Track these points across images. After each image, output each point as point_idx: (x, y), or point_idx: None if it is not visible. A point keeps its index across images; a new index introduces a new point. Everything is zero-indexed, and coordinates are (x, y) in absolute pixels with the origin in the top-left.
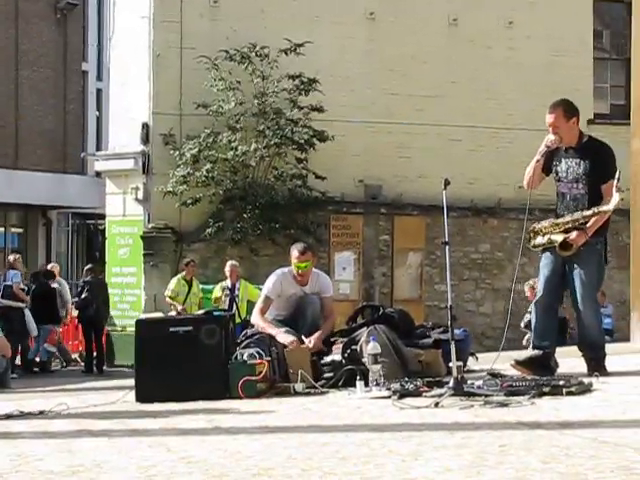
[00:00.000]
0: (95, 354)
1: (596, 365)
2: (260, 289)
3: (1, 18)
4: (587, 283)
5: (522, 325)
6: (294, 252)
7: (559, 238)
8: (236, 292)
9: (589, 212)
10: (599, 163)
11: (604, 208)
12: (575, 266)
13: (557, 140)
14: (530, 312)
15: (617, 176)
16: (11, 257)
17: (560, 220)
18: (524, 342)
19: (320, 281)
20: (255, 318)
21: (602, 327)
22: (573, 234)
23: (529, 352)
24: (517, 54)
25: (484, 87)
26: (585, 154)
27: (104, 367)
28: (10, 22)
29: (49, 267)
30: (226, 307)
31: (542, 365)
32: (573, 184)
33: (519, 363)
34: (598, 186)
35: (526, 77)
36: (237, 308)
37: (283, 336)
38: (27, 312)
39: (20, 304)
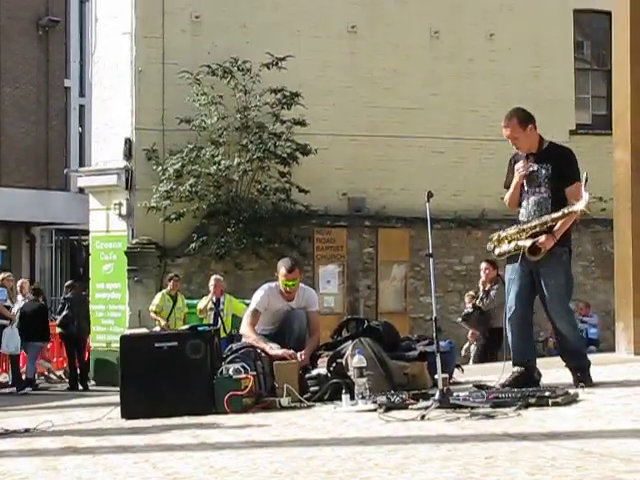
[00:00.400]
0: (78, 371)
1: (582, 375)
2: (245, 303)
3: None
4: (558, 294)
5: (459, 319)
6: (282, 270)
7: (527, 243)
8: (221, 306)
9: (558, 214)
10: (562, 166)
11: (573, 208)
12: (544, 278)
13: (525, 169)
14: (468, 307)
15: (585, 177)
16: (1, 275)
17: (527, 225)
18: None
19: (307, 296)
20: (245, 331)
21: (580, 335)
22: (542, 238)
23: (514, 370)
24: (499, 66)
25: (466, 99)
26: (547, 158)
27: (89, 383)
28: None
29: (19, 283)
30: (211, 322)
31: (527, 381)
32: (536, 189)
33: (505, 386)
34: (561, 189)
35: (508, 88)
36: (222, 322)
37: (275, 351)
38: (7, 330)
39: (4, 321)
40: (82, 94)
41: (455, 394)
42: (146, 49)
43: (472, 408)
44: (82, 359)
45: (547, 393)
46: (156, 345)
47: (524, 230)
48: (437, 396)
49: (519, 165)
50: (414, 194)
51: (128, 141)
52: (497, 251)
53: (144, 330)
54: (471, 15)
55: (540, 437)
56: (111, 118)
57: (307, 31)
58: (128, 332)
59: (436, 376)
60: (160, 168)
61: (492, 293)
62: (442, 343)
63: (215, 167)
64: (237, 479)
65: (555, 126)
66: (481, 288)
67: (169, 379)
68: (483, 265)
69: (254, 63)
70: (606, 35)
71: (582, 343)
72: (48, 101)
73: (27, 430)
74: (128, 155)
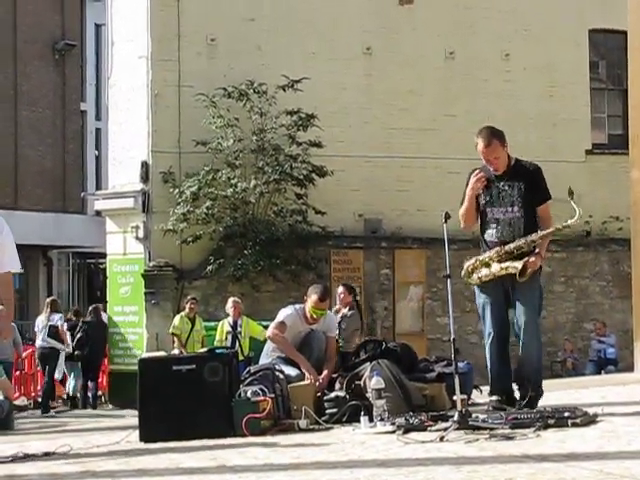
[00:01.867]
0: (90, 393)
1: (527, 403)
2: (263, 325)
3: (0, 59)
4: (532, 316)
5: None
6: (313, 296)
7: (518, 265)
8: (238, 329)
9: (549, 230)
10: (533, 184)
11: (568, 222)
12: (519, 294)
13: (483, 184)
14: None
15: (569, 190)
16: (49, 299)
17: (511, 246)
18: None
19: (327, 320)
20: (276, 337)
21: (542, 363)
22: (531, 257)
23: (492, 399)
24: (514, 86)
25: (481, 119)
26: (517, 176)
27: (107, 405)
28: (9, 63)
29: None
30: (229, 344)
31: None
32: (508, 208)
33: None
34: (533, 208)
35: (523, 108)
36: (240, 345)
37: (308, 369)
38: (62, 355)
39: (61, 346)
40: (98, 117)
41: (474, 415)
42: (162, 72)
43: (491, 429)
44: (95, 382)
45: (566, 414)
46: (174, 368)
47: (506, 252)
48: (456, 417)
49: (476, 177)
50: (430, 215)
51: (145, 164)
52: (475, 276)
53: (162, 353)
54: (486, 35)
55: (560, 458)
56: (127, 141)
57: (322, 53)
58: (146, 355)
59: (455, 397)
60: (177, 191)
61: (345, 323)
62: (460, 364)
63: (231, 189)
64: None
65: (571, 146)
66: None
67: (187, 402)
68: (340, 289)
69: (270, 85)
70: (622, 54)
71: (539, 371)
72: (64, 124)
73: (46, 454)
74: (145, 178)
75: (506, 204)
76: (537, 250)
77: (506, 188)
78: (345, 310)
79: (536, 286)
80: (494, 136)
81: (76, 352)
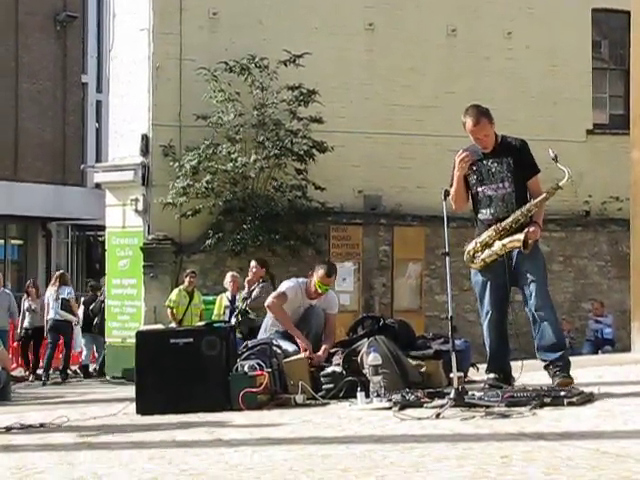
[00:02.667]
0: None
1: (560, 371)
2: None
3: (1, 31)
4: (541, 277)
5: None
6: (321, 271)
7: (520, 236)
8: (237, 303)
9: (540, 197)
10: (521, 159)
11: (560, 184)
12: (524, 265)
13: (468, 161)
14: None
15: (553, 154)
16: (58, 273)
17: (507, 222)
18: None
19: (328, 298)
20: (274, 307)
21: (561, 327)
22: (531, 228)
23: (490, 377)
24: (516, 64)
25: (483, 97)
26: (505, 152)
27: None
28: (10, 35)
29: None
30: (227, 319)
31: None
32: (499, 184)
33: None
34: (523, 183)
35: (525, 87)
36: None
37: (302, 340)
38: (76, 327)
39: (74, 318)
40: (99, 90)
41: (470, 393)
42: (163, 45)
43: (487, 407)
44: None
45: (562, 393)
46: (172, 341)
47: (504, 228)
48: (452, 395)
49: (460, 157)
50: (430, 192)
51: (145, 137)
52: (478, 259)
53: (160, 326)
54: (488, 13)
55: (555, 437)
56: (128, 114)
57: (324, 28)
58: (144, 328)
59: (451, 374)
60: (177, 164)
61: (256, 292)
62: (457, 342)
63: (231, 164)
64: (252, 476)
65: (572, 125)
66: (246, 287)
67: (184, 375)
68: (252, 264)
69: (271, 60)
70: (624, 34)
71: (563, 336)
72: (65, 97)
73: (42, 425)
74: (145, 151)
75: (496, 180)
76: (534, 220)
77: (495, 165)
78: (256, 284)
79: (539, 256)
80: (482, 114)
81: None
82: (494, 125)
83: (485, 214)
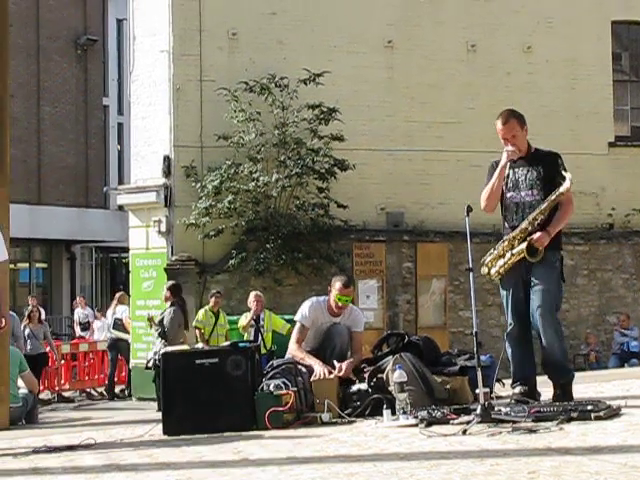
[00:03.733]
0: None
1: (561, 392)
2: (285, 319)
3: (23, 55)
4: (548, 302)
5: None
6: (337, 284)
7: (523, 245)
8: (261, 322)
9: (544, 204)
10: (551, 168)
11: (560, 190)
12: (535, 285)
13: (516, 151)
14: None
15: (560, 162)
16: (118, 293)
17: (516, 231)
18: None
19: (353, 315)
20: (293, 349)
21: (564, 348)
22: (535, 235)
23: (515, 391)
24: (536, 79)
25: None
26: (535, 161)
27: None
28: (32, 59)
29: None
30: (252, 338)
31: (529, 397)
32: (528, 191)
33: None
34: (552, 192)
35: (546, 101)
36: (262, 339)
37: (316, 367)
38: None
39: (127, 336)
40: (121, 112)
41: (497, 408)
42: (184, 67)
43: (514, 422)
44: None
45: (589, 407)
46: (197, 362)
47: (514, 237)
48: (478, 411)
49: (508, 148)
50: (452, 208)
51: (167, 158)
52: (493, 271)
53: (185, 347)
54: (508, 28)
55: (583, 451)
56: (150, 136)
57: (343, 46)
58: (169, 349)
59: (477, 390)
60: (199, 185)
61: (165, 317)
62: (483, 357)
63: (253, 183)
64: None
65: (594, 138)
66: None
67: (210, 395)
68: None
69: (291, 79)
70: None
71: (566, 357)
72: (87, 120)
73: (70, 447)
74: (167, 172)
75: (525, 188)
76: (548, 227)
77: (525, 172)
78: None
79: (553, 276)
80: (512, 116)
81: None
82: (526, 131)
83: (512, 221)
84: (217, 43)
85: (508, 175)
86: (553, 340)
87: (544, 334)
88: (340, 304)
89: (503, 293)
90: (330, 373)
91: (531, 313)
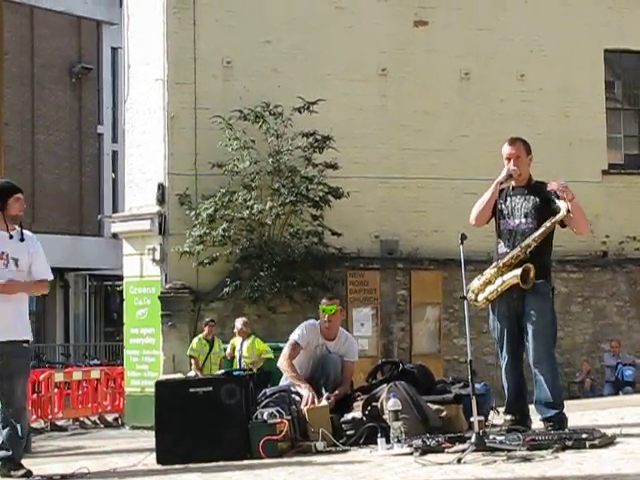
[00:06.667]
0: None
1: (553, 429)
2: (280, 347)
3: (17, 83)
4: (543, 336)
5: None
6: (323, 300)
7: (517, 272)
8: (242, 350)
9: (539, 231)
10: (551, 199)
11: (555, 218)
12: (530, 318)
13: (517, 170)
14: None
15: (551, 189)
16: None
17: (507, 258)
18: None
19: (348, 344)
20: (283, 364)
21: (560, 385)
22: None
23: (507, 419)
24: (530, 106)
25: (497, 140)
26: (533, 191)
27: (124, 427)
28: (26, 87)
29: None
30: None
31: (521, 425)
32: (522, 219)
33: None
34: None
35: (539, 129)
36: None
37: (304, 391)
38: None
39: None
40: (115, 140)
41: (491, 437)
42: (178, 95)
43: (509, 451)
44: None
45: (584, 435)
46: (191, 390)
47: (505, 264)
48: (473, 439)
49: (509, 166)
50: (446, 236)
51: (161, 186)
52: (481, 297)
53: (179, 375)
54: (501, 56)
55: None
56: (144, 163)
57: (338, 75)
58: (163, 377)
59: (472, 419)
60: (193, 213)
61: None
62: (477, 385)
63: (248, 211)
64: None
65: (587, 166)
66: None
67: (204, 424)
68: None
69: (285, 107)
70: (637, 74)
71: (561, 394)
72: (81, 147)
73: (64, 477)
74: (161, 200)
75: (520, 216)
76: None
77: (521, 201)
78: None
79: (547, 308)
80: (520, 140)
81: None
82: (530, 160)
83: (503, 247)
84: (212, 71)
85: (505, 202)
86: (547, 376)
87: (539, 369)
88: (328, 317)
89: (496, 325)
90: (318, 400)
91: (527, 348)
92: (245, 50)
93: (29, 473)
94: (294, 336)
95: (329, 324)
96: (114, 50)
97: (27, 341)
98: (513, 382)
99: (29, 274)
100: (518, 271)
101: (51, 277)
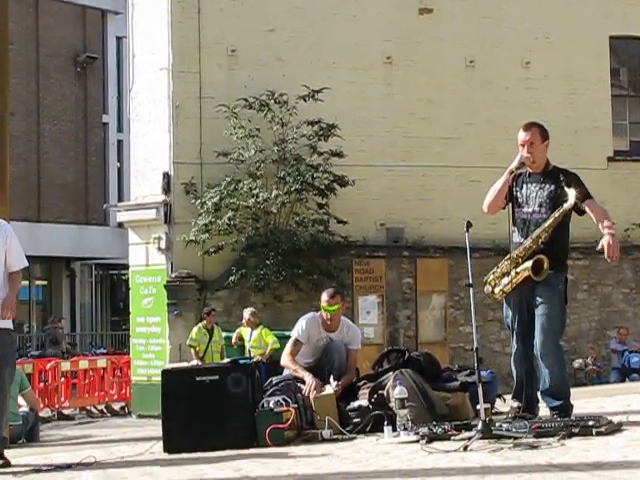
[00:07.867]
0: None
1: (558, 411)
2: (285, 335)
3: (23, 73)
4: (550, 327)
5: None
6: (323, 296)
7: (528, 264)
8: (250, 340)
9: (549, 221)
10: (568, 186)
11: (565, 207)
12: (539, 309)
13: (530, 158)
14: None
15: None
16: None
17: (519, 250)
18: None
19: (351, 333)
20: (285, 361)
21: (566, 376)
22: (606, 240)
23: (514, 406)
24: (535, 94)
25: (503, 127)
26: (549, 179)
27: (131, 416)
28: (31, 77)
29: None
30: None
31: (528, 412)
32: (535, 208)
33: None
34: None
35: (545, 116)
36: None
37: (308, 378)
38: None
39: None
40: (120, 129)
41: (498, 424)
42: (183, 84)
43: (515, 438)
44: None
45: (591, 422)
46: (197, 379)
47: (518, 255)
48: (479, 426)
49: (523, 153)
50: (452, 223)
51: (166, 175)
52: (497, 290)
53: (185, 364)
54: (507, 44)
55: (585, 467)
56: (149, 153)
57: (343, 63)
58: (170, 366)
59: (478, 406)
60: (198, 202)
61: None
62: (483, 373)
63: (253, 200)
64: None
65: (593, 153)
66: None
67: (211, 413)
68: None
69: (290, 95)
70: None
71: (567, 384)
72: (87, 137)
73: (70, 465)
74: (167, 189)
75: (534, 204)
76: (606, 224)
77: (536, 189)
78: None
79: (556, 299)
80: (536, 125)
81: None
82: (546, 146)
83: (517, 237)
84: (216, 60)
85: (521, 190)
86: (553, 366)
87: (545, 360)
88: (329, 315)
89: (508, 314)
90: (321, 387)
91: (534, 345)
92: (250, 39)
93: (7, 464)
94: (294, 333)
95: (330, 322)
96: (119, 39)
97: (11, 329)
98: (522, 370)
99: (4, 265)
100: (529, 263)
101: (26, 264)
